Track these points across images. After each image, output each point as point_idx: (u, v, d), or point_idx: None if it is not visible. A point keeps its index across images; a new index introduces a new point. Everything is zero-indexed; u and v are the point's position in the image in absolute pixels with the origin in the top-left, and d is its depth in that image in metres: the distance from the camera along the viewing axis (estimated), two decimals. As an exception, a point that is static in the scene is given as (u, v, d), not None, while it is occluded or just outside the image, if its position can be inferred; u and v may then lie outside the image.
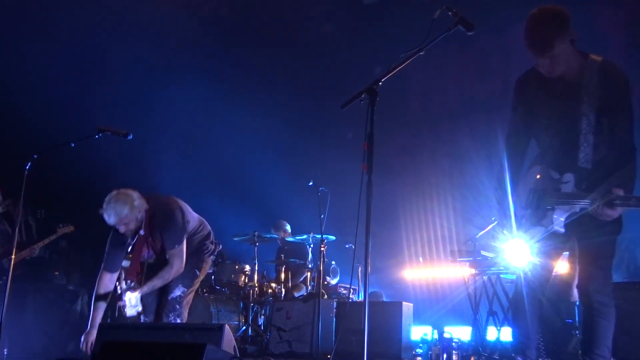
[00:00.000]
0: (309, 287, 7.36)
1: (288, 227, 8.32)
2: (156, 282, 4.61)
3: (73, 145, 4.97)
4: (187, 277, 4.83)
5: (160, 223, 4.62)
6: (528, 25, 3.32)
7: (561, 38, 3.26)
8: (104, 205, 4.43)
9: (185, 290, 4.82)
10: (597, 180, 3.29)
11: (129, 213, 4.42)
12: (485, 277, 6.08)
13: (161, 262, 4.71)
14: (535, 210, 3.47)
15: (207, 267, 5.18)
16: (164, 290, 4.78)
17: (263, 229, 7.85)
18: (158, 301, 4.83)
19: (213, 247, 5.12)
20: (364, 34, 9.26)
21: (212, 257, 5.15)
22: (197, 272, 4.95)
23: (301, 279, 7.73)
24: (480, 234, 6.17)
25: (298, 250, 7.81)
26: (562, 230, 3.39)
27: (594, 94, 3.32)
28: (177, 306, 4.76)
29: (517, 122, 3.68)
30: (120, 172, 8.18)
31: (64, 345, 6.66)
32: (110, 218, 4.42)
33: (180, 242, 4.66)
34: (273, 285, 7.34)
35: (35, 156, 4.89)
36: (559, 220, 3.38)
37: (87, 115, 7.35)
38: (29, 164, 4.86)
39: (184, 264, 4.70)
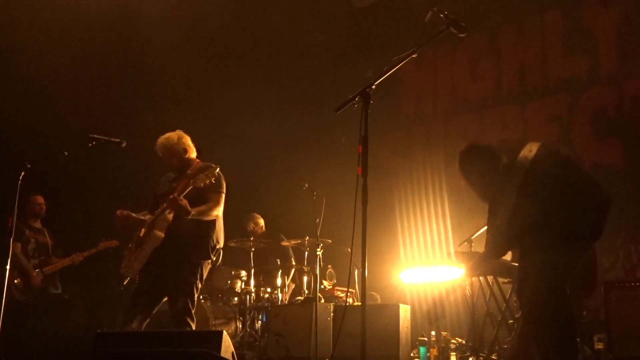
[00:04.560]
0: (306, 292, 7.34)
1: (261, 221, 8.32)
2: (202, 208, 4.84)
3: (66, 154, 4.97)
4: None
5: (205, 171, 4.85)
6: None
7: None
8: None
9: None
10: None
11: (172, 143, 5.04)
12: (481, 278, 6.07)
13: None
14: None
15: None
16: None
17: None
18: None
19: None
20: (356, 38, 9.27)
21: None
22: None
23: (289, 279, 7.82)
24: (475, 235, 6.17)
25: (280, 251, 7.87)
26: None
27: None
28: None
29: None
30: (114, 181, 8.16)
31: (62, 355, 6.61)
32: (158, 144, 5.06)
33: (222, 191, 5.00)
34: (269, 290, 7.32)
35: (29, 166, 4.88)
36: None
37: (80, 123, 7.33)
38: (22, 174, 4.85)
39: (220, 213, 5.01)
